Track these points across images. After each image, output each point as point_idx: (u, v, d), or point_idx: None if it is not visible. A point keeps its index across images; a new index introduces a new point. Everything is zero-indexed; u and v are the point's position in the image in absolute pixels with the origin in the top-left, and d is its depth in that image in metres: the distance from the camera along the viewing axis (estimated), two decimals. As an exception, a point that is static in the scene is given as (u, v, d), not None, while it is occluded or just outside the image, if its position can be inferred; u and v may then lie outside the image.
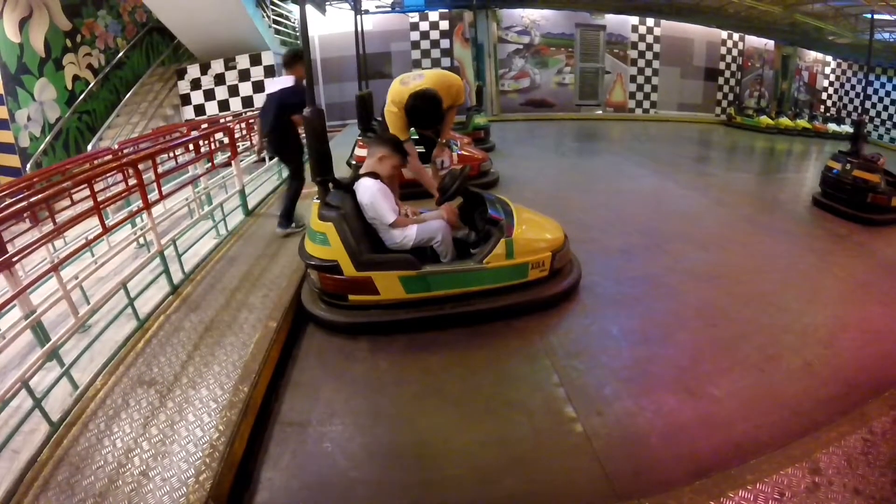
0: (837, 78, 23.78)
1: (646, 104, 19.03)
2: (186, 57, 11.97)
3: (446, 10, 15.59)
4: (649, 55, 18.61)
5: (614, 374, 3.19)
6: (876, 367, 3.67)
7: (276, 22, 11.97)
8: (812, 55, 22.81)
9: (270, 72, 11.18)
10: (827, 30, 17.88)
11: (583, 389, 3.00)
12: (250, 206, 5.91)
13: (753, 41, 20.56)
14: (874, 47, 13.17)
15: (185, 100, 11.46)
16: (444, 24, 15.76)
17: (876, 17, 12.98)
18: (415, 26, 15.64)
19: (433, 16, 15.68)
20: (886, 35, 17.84)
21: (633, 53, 18.32)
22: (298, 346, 3.45)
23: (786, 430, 2.81)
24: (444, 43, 15.87)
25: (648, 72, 18.75)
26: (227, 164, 6.17)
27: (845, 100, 23.57)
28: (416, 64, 15.81)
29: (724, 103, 20.57)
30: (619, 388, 3.05)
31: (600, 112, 18.15)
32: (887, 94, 21.07)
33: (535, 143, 12.06)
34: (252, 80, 11.21)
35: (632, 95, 18.72)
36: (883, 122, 21.38)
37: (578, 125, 15.69)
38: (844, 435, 2.58)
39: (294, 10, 13.39)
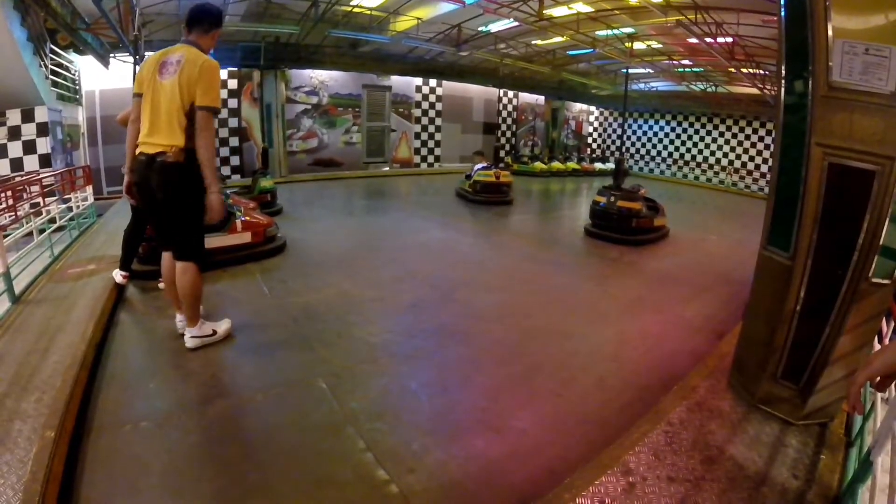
0: (601, 124, 27.51)
1: (430, 159, 20.34)
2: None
3: (235, 69, 15.29)
4: (432, 113, 20.04)
5: (419, 429, 3.17)
6: (661, 367, 4.12)
7: (54, 73, 10.59)
8: (578, 106, 26.06)
9: (44, 130, 9.88)
10: (590, 85, 20.55)
11: (391, 450, 2.94)
12: (18, 290, 5.11)
13: (526, 97, 23.02)
14: (629, 96, 15.60)
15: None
16: (233, 83, 15.49)
17: (630, 71, 15.33)
18: None
19: (222, 74, 15.13)
20: (642, 85, 21.30)
21: (417, 112, 19.60)
22: (84, 454, 3.00)
23: (592, 443, 3.00)
24: (232, 102, 15.52)
25: (432, 128, 20.15)
26: None
27: (608, 142, 27.27)
28: None
29: (502, 153, 22.84)
30: (427, 441, 3.04)
31: (387, 169, 18.96)
32: (644, 133, 24.99)
33: (323, 203, 12.08)
34: (23, 138, 9.81)
35: (417, 151, 19.88)
36: (642, 157, 25.23)
37: (367, 183, 16.11)
38: (646, 433, 2.82)
39: (76, 60, 12.19)
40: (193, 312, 4.08)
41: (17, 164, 9.73)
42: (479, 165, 13.09)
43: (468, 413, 3.40)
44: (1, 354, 3.84)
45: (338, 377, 3.77)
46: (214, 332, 4.22)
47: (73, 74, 12.20)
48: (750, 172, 20.74)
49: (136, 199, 4.00)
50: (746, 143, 20.80)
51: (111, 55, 12.68)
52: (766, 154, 19.95)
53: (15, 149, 9.74)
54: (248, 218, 6.79)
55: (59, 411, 3.08)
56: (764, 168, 20.07)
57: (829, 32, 2.52)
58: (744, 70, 13.41)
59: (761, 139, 20.26)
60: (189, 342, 4.11)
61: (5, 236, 5.30)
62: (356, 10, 12.45)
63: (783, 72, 2.86)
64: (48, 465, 2.61)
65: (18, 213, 6.64)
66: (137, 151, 3.76)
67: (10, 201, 6.48)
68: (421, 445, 3.01)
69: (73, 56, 11.99)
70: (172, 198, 3.74)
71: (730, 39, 11.47)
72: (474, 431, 3.18)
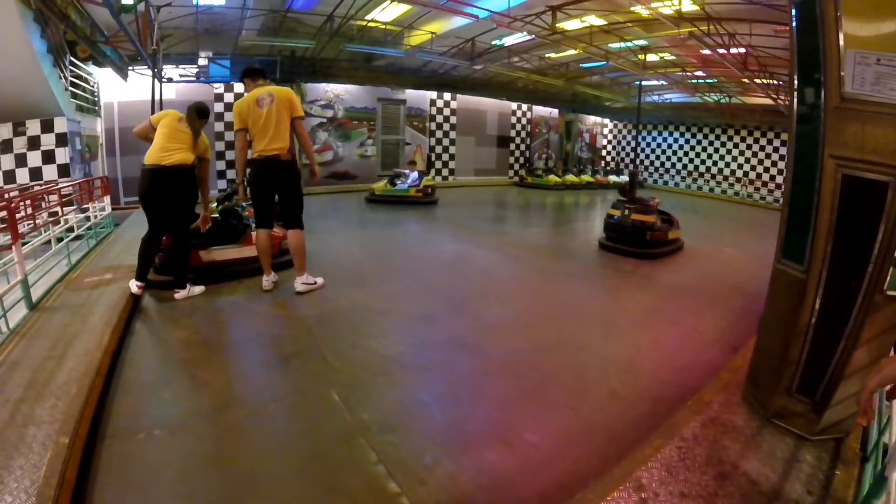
0: (615, 136, 27.46)
1: (444, 172, 20.45)
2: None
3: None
4: (446, 126, 20.15)
5: (431, 441, 3.15)
6: (675, 379, 4.07)
7: (73, 84, 10.71)
8: (592, 119, 26.01)
9: (63, 140, 9.97)
10: (604, 97, 20.52)
11: (402, 462, 2.93)
12: (35, 297, 5.19)
13: (540, 110, 23.04)
14: (643, 108, 15.52)
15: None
16: None
17: (644, 83, 15.30)
18: (219, 97, 15.36)
19: (238, 87, 15.35)
20: (655, 97, 21.24)
21: (431, 125, 19.72)
22: (97, 460, 3.03)
23: (604, 457, 2.97)
24: None
25: (446, 142, 20.25)
26: (8, 248, 5.40)
27: (622, 154, 27.25)
28: (220, 136, 15.39)
29: (516, 166, 22.76)
30: (438, 453, 3.02)
31: (401, 181, 19.21)
32: (658, 145, 24.87)
33: (338, 216, 12.04)
34: (42, 148, 9.91)
35: (431, 164, 20.03)
36: (657, 169, 25.11)
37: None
38: (659, 448, 2.79)
39: (94, 72, 12.39)
40: (303, 263, 5.83)
41: (36, 174, 9.82)
42: (414, 174, 14.56)
43: (480, 425, 3.38)
44: (17, 360, 3.89)
45: (350, 388, 3.78)
46: (316, 282, 5.98)
47: (92, 86, 12.34)
48: (765, 183, 20.58)
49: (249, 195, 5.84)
50: (761, 154, 20.66)
51: (130, 68, 12.89)
52: (781, 165, 19.79)
53: (34, 158, 9.84)
54: None
55: (73, 418, 3.10)
56: (779, 179, 19.90)
57: (841, 42, 2.51)
58: (757, 80, 13.34)
59: (776, 150, 20.12)
60: (300, 287, 5.76)
61: (24, 244, 5.39)
62: (371, 24, 12.55)
63: (795, 82, 2.84)
64: (61, 471, 2.63)
65: (37, 222, 6.73)
66: (258, 155, 5.49)
67: (30, 210, 6.58)
68: (432, 457, 3.00)
69: (92, 68, 12.16)
70: (290, 181, 5.73)
71: (742, 50, 11.42)
72: (486, 444, 3.16)
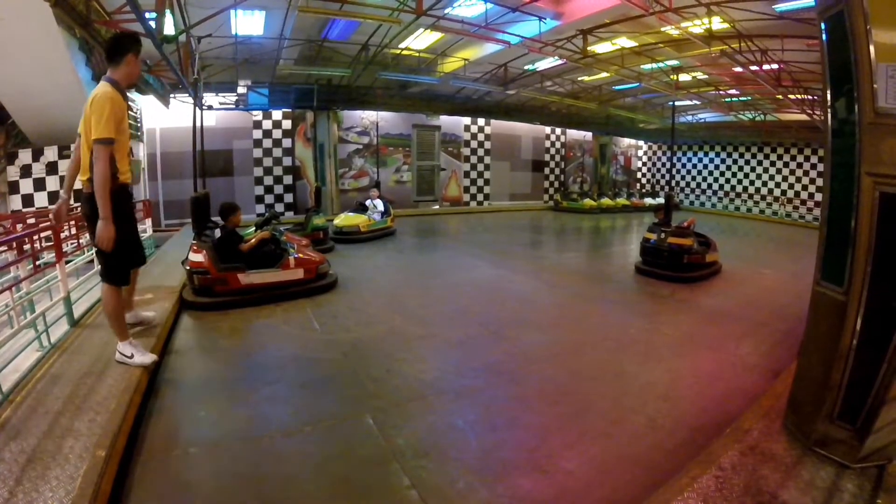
0: (650, 158, 27.19)
1: (479, 197, 20.45)
2: (20, 139, 10.61)
3: (289, 110, 15.87)
4: (481, 152, 20.21)
5: (465, 467, 3.12)
6: (714, 407, 3.96)
7: None
8: (626, 141, 25.90)
9: None
10: (637, 119, 20.42)
11: (436, 488, 2.91)
12: (77, 314, 5.34)
13: (574, 133, 22.97)
14: (677, 129, 15.33)
15: (14, 188, 10.30)
16: (287, 124, 16.01)
17: (677, 103, 15.05)
18: (258, 124, 15.75)
19: (276, 115, 15.86)
20: (689, 117, 20.99)
21: (465, 151, 19.80)
22: (132, 475, 3.09)
23: (641, 486, 2.90)
24: (287, 142, 16.07)
25: (481, 167, 20.31)
26: (52, 266, 5.48)
27: (658, 176, 26.98)
28: (258, 163, 15.79)
29: (551, 190, 22.62)
30: (472, 480, 2.99)
31: (437, 207, 19.13)
32: (694, 165, 24.54)
33: (373, 241, 12.10)
34: None
35: (466, 189, 20.01)
36: (693, 190, 24.75)
37: (417, 221, 16.27)
38: (696, 478, 2.69)
39: (137, 99, 12.84)
40: (114, 327, 4.19)
41: (79, 195, 10.11)
42: (379, 202, 13.38)
43: (515, 453, 3.34)
44: (58, 374, 3.98)
45: (385, 413, 3.78)
46: (131, 356, 4.12)
47: (135, 113, 12.79)
48: (804, 202, 20.10)
49: None
50: (799, 172, 20.24)
51: (172, 96, 13.40)
52: (819, 182, 19.30)
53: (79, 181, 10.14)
54: (300, 255, 6.95)
55: (111, 432, 3.14)
56: (818, 197, 19.39)
57: (872, 55, 2.44)
58: (791, 96, 13.13)
59: (814, 166, 19.71)
60: (116, 356, 4.14)
61: (67, 262, 5.54)
62: (405, 52, 12.73)
63: (828, 98, 2.77)
64: (97, 483, 2.66)
65: (81, 242, 6.96)
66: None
67: (74, 230, 6.82)
68: (466, 484, 2.96)
69: (135, 95, 12.60)
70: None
71: (775, 66, 11.27)
72: (521, 471, 3.11)
